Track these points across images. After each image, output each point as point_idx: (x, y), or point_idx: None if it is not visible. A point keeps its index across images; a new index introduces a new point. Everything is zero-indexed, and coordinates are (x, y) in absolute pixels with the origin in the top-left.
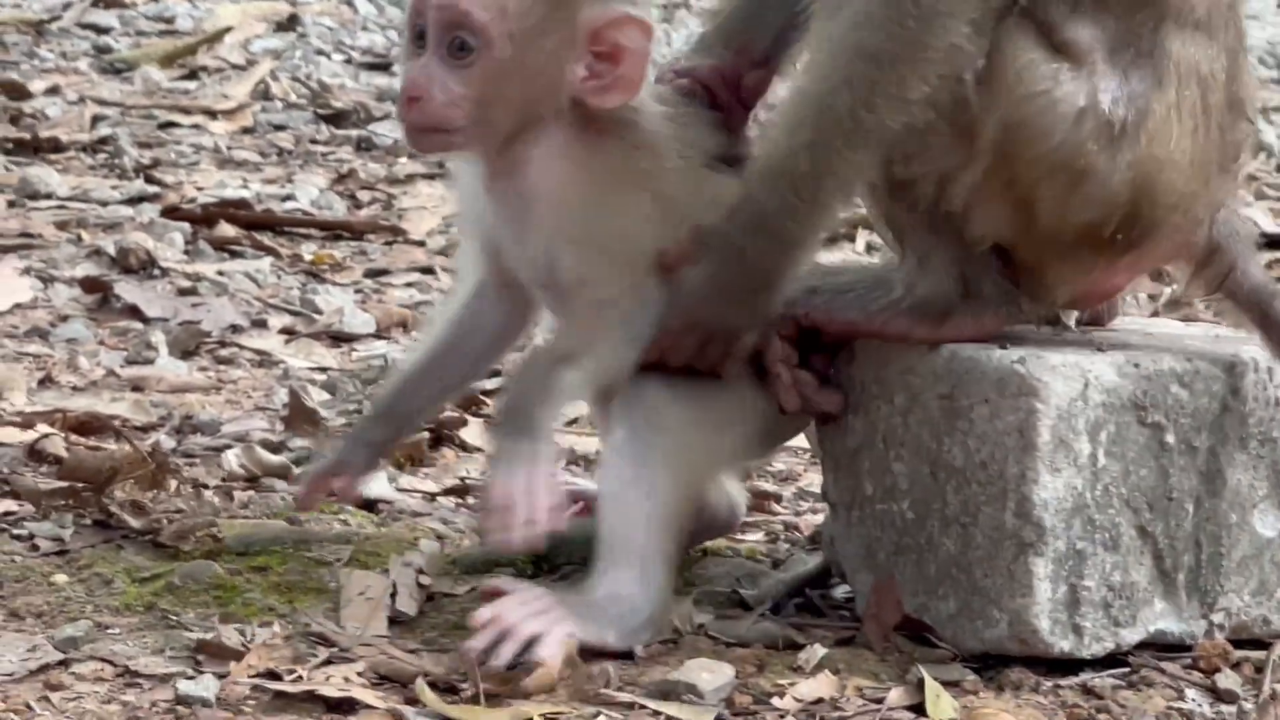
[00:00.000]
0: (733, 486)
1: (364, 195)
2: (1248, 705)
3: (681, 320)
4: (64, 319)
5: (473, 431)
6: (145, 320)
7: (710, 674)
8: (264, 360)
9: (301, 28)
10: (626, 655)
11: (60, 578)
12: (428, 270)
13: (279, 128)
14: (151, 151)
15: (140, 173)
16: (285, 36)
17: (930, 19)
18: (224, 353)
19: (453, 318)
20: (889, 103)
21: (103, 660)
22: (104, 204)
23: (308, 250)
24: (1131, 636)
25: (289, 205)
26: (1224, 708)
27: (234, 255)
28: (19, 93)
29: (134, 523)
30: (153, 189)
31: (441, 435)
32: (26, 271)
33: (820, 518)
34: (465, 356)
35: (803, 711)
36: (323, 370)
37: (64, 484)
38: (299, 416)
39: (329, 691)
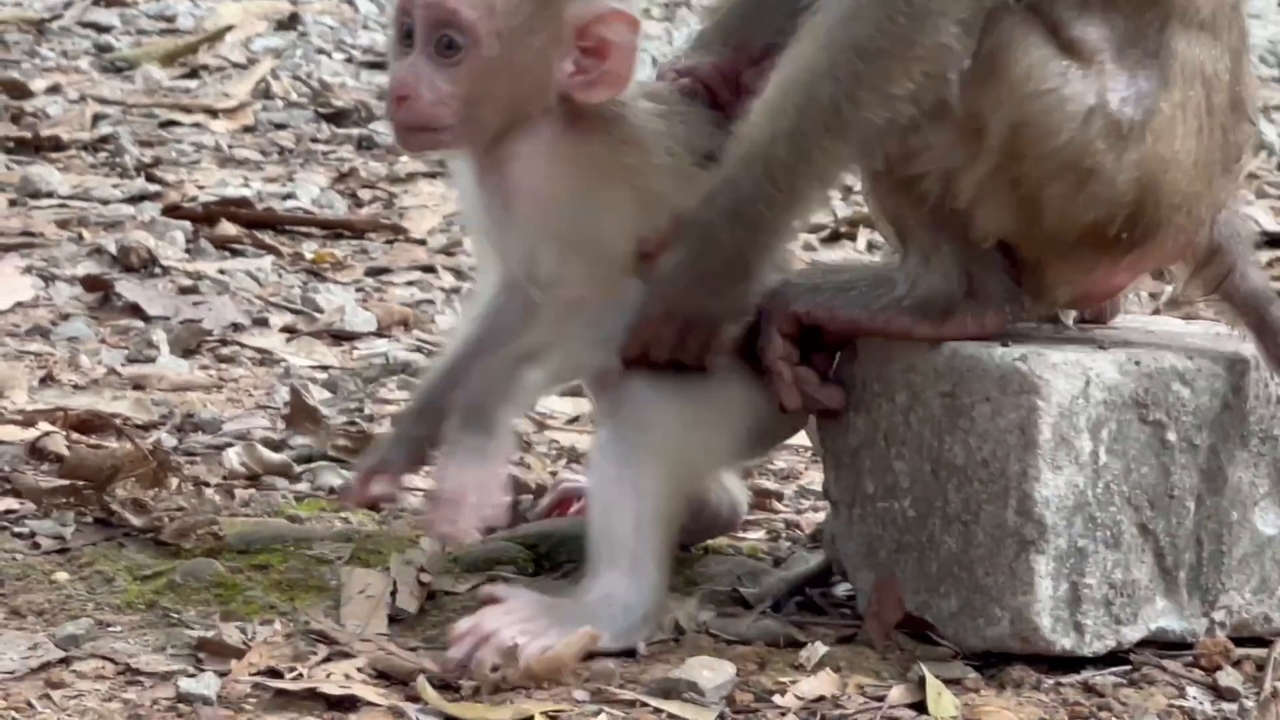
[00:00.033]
0: (734, 485)
1: (365, 194)
2: (1249, 703)
3: (659, 308)
4: (65, 317)
5: None
6: (146, 319)
7: (712, 672)
8: (265, 359)
9: (302, 26)
10: (628, 653)
11: (61, 576)
12: (429, 269)
13: (280, 126)
14: (152, 150)
15: (141, 171)
16: (286, 35)
17: (921, 16)
18: (225, 351)
19: (481, 313)
20: (873, 96)
21: (104, 658)
22: (105, 202)
23: (309, 249)
24: (1133, 634)
25: (290, 204)
26: (1225, 705)
27: (235, 254)
28: (20, 91)
29: (135, 521)
30: (154, 187)
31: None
32: (28, 270)
33: (821, 516)
34: (495, 351)
35: (804, 709)
36: (324, 369)
37: (65, 482)
38: (300, 415)
39: (330, 689)
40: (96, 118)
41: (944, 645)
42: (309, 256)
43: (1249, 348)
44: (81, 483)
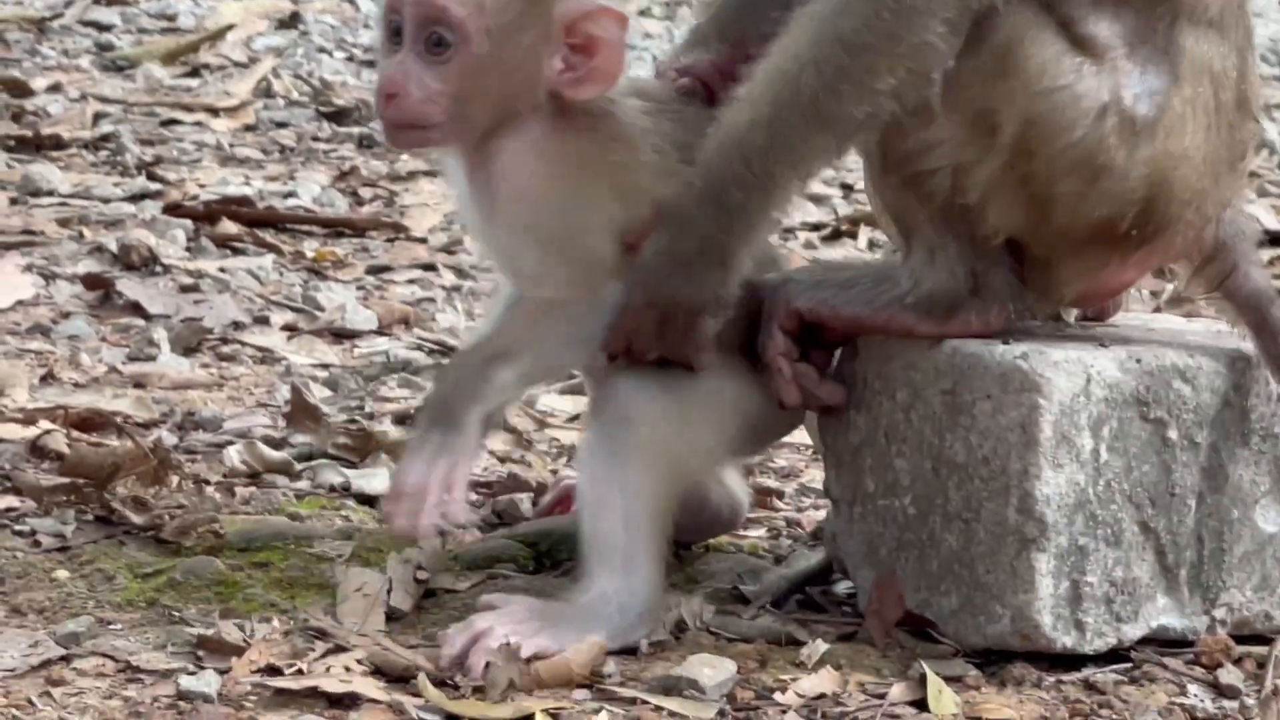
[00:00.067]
0: (736, 484)
1: (366, 192)
2: (1250, 701)
3: (639, 296)
4: (66, 316)
5: None
6: (147, 317)
7: (712, 669)
8: (266, 357)
9: (303, 25)
10: (629, 651)
11: (62, 573)
12: (429, 267)
13: (281, 125)
14: (153, 149)
15: (142, 170)
16: (287, 34)
17: (907, 14)
18: (226, 349)
19: (504, 309)
20: (854, 90)
21: (104, 656)
22: (106, 201)
23: (310, 247)
24: (1133, 632)
25: (291, 202)
26: (1226, 703)
27: (236, 252)
28: (21, 90)
29: (136, 519)
30: (155, 186)
31: None
32: (28, 268)
33: (822, 514)
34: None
35: (804, 707)
36: (325, 367)
37: (66, 480)
38: (301, 413)
39: (331, 686)
40: (97, 116)
41: (945, 643)
42: (310, 255)
43: (1249, 345)
44: (82, 481)
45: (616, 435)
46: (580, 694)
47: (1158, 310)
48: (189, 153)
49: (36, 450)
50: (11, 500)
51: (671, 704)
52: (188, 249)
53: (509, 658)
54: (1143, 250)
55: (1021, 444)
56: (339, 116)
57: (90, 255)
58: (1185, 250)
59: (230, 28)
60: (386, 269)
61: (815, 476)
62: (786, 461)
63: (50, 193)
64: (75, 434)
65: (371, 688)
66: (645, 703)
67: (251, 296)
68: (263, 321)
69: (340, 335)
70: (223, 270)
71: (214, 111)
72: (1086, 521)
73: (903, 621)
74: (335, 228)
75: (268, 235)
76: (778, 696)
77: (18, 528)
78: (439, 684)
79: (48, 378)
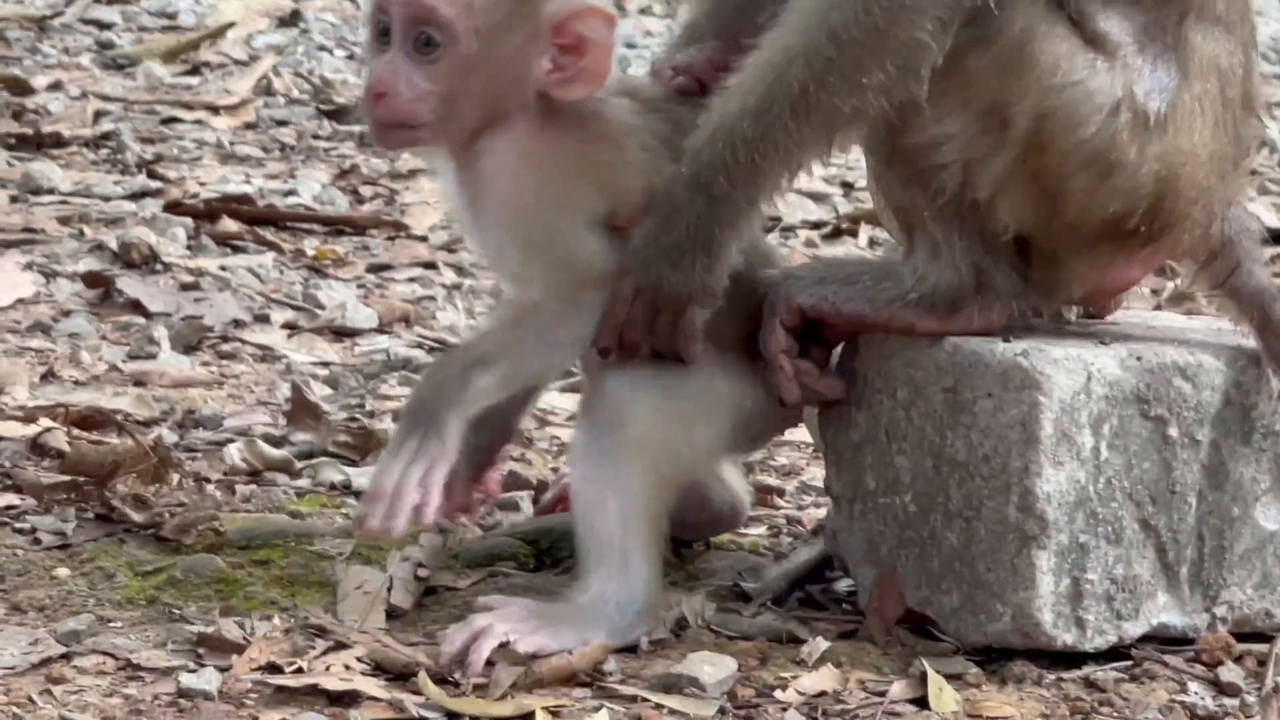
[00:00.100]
0: (737, 483)
1: (366, 190)
2: (1250, 698)
3: (629, 284)
4: (66, 314)
5: None
6: (147, 315)
7: (713, 667)
8: (266, 355)
9: (304, 23)
10: (629, 649)
11: (62, 571)
12: (430, 265)
13: (281, 123)
14: (154, 147)
15: (143, 168)
16: (288, 32)
17: (896, 11)
18: (226, 347)
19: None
20: (842, 83)
21: (104, 654)
22: (106, 199)
23: (310, 245)
24: (1134, 630)
25: (291, 200)
26: (1226, 701)
27: (236, 250)
28: (22, 88)
29: (136, 516)
30: (155, 184)
31: None
32: (29, 266)
33: (823, 511)
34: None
35: (805, 704)
36: (325, 365)
37: (66, 478)
38: (301, 411)
39: (331, 684)
40: (98, 114)
41: (945, 641)
42: (310, 253)
43: (1251, 343)
44: (82, 478)
45: (608, 434)
46: (580, 692)
47: (1158, 308)
48: (189, 151)
49: (37, 448)
50: (12, 498)
51: (672, 701)
52: (188, 247)
53: (508, 656)
54: (1150, 247)
55: (1022, 442)
56: (339, 114)
57: (91, 253)
58: (1191, 247)
59: (231, 26)
60: (387, 267)
61: (816, 474)
62: (787, 459)
63: (51, 191)
64: (76, 432)
65: (372, 685)
66: (646, 700)
67: (252, 294)
68: (263, 319)
69: (341, 333)
70: (223, 268)
71: (214, 109)
72: (1087, 519)
73: (903, 619)
74: (336, 226)
75: (268, 233)
76: (778, 694)
77: (18, 525)
78: (439, 681)
79: (48, 376)
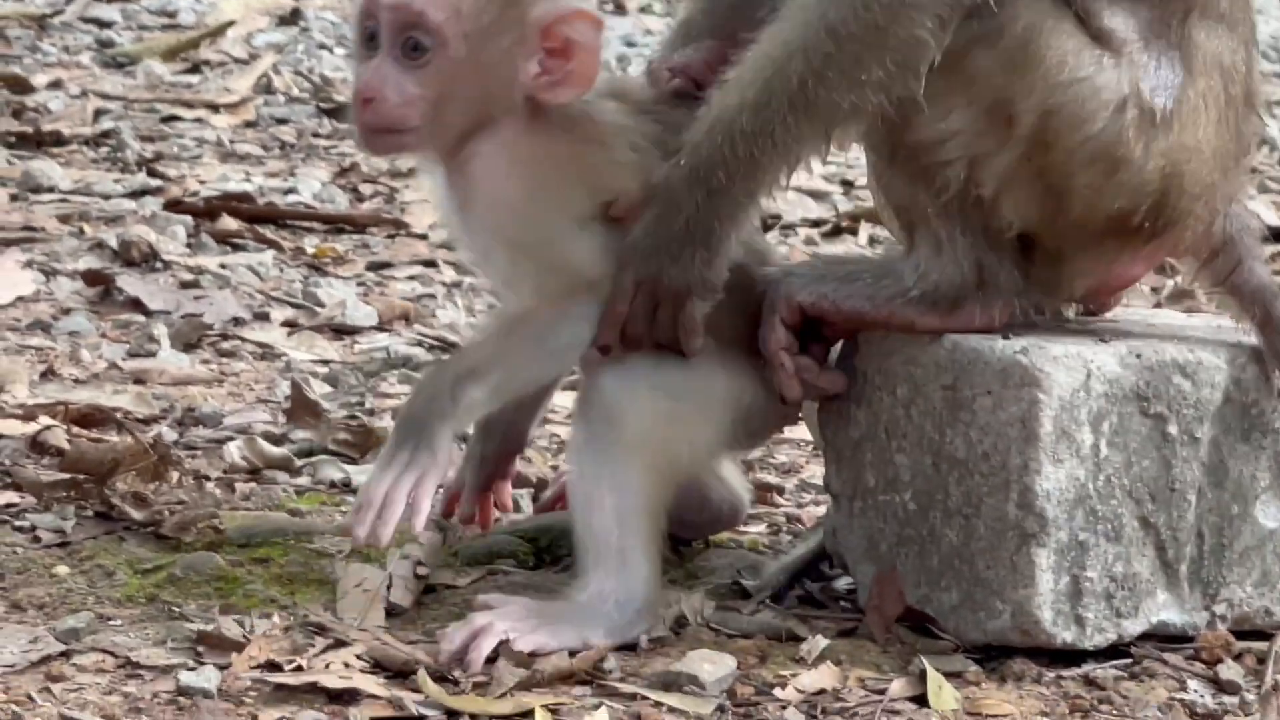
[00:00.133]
0: (736, 481)
1: (366, 188)
2: (1250, 696)
3: (629, 276)
4: (66, 312)
5: None
6: (147, 313)
7: (712, 665)
8: (266, 353)
9: (304, 22)
10: (629, 647)
11: (62, 569)
12: (430, 263)
13: (281, 121)
14: (154, 145)
15: (143, 166)
16: (288, 30)
17: (896, 8)
18: (226, 345)
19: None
20: (840, 79)
21: (104, 651)
22: (106, 197)
23: (310, 243)
24: (1134, 627)
25: (291, 198)
26: (1226, 698)
27: (236, 248)
28: (22, 86)
29: (136, 514)
30: (155, 182)
31: None
32: (29, 265)
33: (822, 509)
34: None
35: (804, 702)
36: (325, 363)
37: (66, 476)
38: (301, 409)
39: (331, 682)
40: (98, 113)
41: (945, 638)
42: (310, 251)
43: (1250, 341)
44: (82, 476)
45: (604, 432)
46: (580, 690)
47: (1158, 306)
48: (189, 149)
49: (37, 446)
50: (12, 496)
51: (671, 699)
52: (188, 245)
53: (507, 654)
54: (1153, 244)
55: (1022, 439)
56: (339, 113)
57: (91, 251)
58: (1194, 244)
59: (231, 24)
60: (387, 265)
61: (816, 472)
62: (787, 457)
63: (51, 189)
64: (75, 430)
65: (371, 683)
66: (645, 698)
67: (252, 292)
68: (263, 317)
69: (340, 331)
70: (223, 266)
71: (214, 108)
72: (1087, 517)
73: (903, 617)
74: (335, 224)
75: (268, 231)
76: (778, 692)
77: (18, 523)
78: (439, 679)
79: (48, 374)
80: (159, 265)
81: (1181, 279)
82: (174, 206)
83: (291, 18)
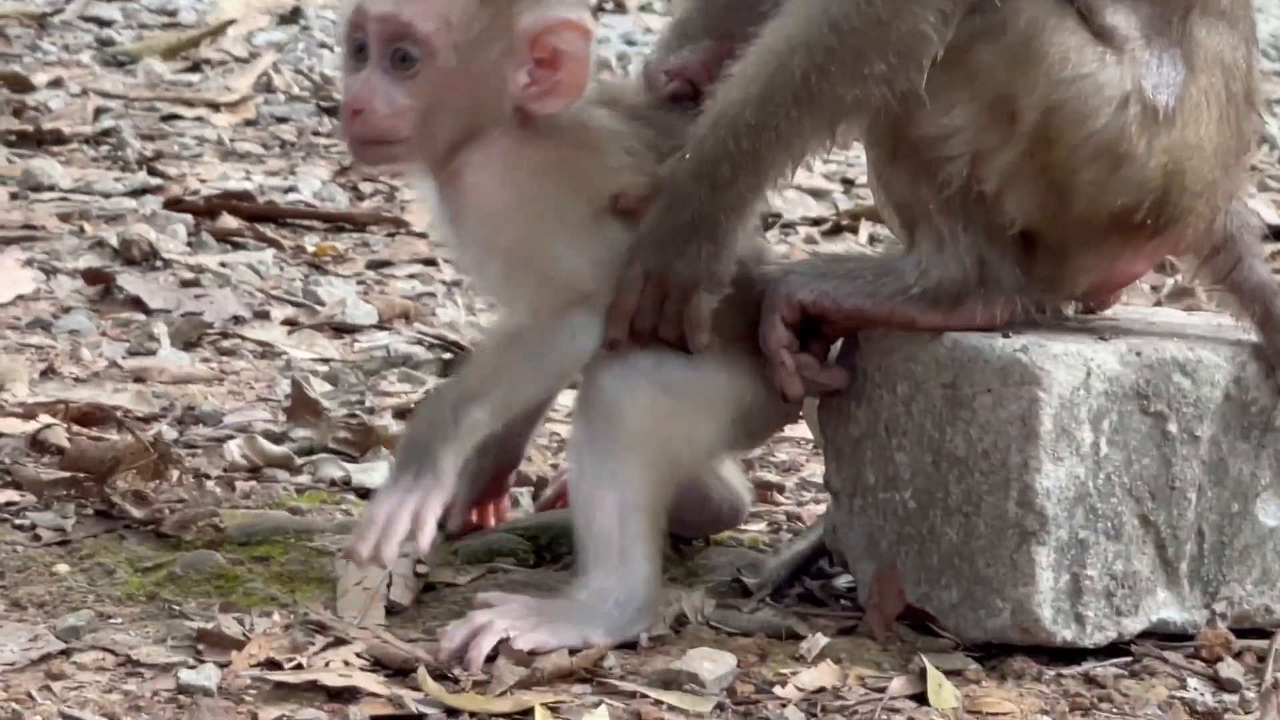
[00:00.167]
0: (737, 481)
1: (366, 187)
2: (1250, 694)
3: (637, 269)
4: (66, 310)
5: None
6: (148, 311)
7: (712, 663)
8: (266, 351)
9: (304, 20)
10: (629, 645)
11: (62, 567)
12: (430, 262)
13: (281, 120)
14: (154, 144)
15: (143, 165)
16: (288, 29)
17: (899, 3)
18: (226, 344)
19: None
20: (843, 73)
21: (104, 650)
22: (106, 196)
23: (310, 242)
24: (1134, 626)
25: (291, 197)
26: (1226, 697)
27: (236, 247)
28: (22, 85)
29: (136, 513)
30: (155, 181)
31: None
32: (29, 263)
33: (823, 508)
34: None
35: (804, 700)
36: (325, 361)
37: (66, 474)
38: (301, 407)
39: (331, 680)
40: (98, 111)
41: (945, 637)
42: (310, 250)
43: (1250, 339)
44: (82, 475)
45: (604, 430)
46: (580, 688)
47: (1159, 304)
48: (190, 148)
49: (37, 444)
50: (12, 494)
51: (671, 697)
52: (188, 244)
53: (507, 652)
54: (1155, 240)
55: (1022, 437)
56: (339, 112)
57: (91, 250)
58: (1195, 241)
59: (231, 23)
60: (387, 264)
61: (816, 470)
62: (787, 455)
63: (51, 188)
64: (76, 428)
65: (371, 681)
66: (645, 696)
67: (252, 291)
68: (263, 316)
69: (341, 330)
70: (223, 265)
71: (215, 106)
72: (1087, 515)
73: (903, 615)
74: (336, 223)
75: (268, 230)
76: (778, 690)
77: (18, 522)
78: (439, 677)
79: (48, 372)
80: (159, 264)
81: (1182, 277)
82: (174, 205)
83: (292, 16)
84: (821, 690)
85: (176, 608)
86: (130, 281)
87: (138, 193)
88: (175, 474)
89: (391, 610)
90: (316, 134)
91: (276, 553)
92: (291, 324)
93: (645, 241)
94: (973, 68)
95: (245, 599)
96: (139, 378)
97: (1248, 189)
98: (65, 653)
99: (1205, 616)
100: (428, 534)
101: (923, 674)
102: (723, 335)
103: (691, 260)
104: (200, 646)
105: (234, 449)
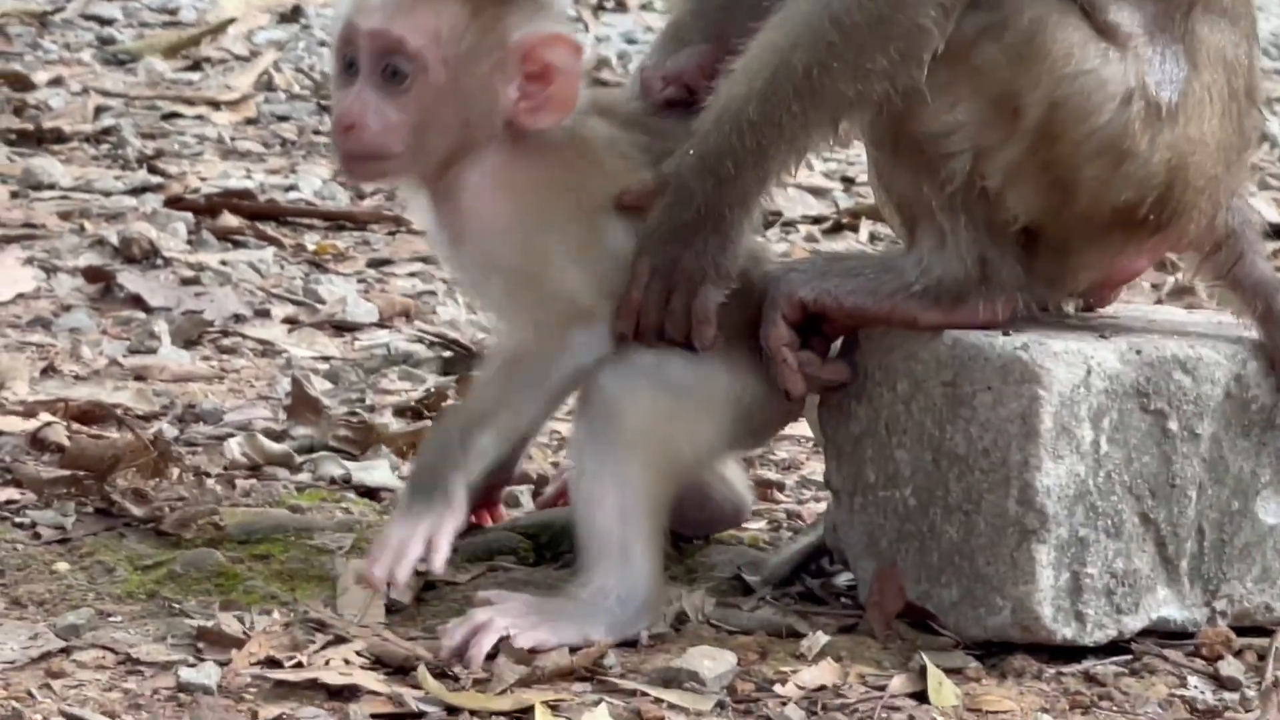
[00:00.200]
0: (738, 481)
1: (366, 185)
2: (1250, 692)
3: (645, 263)
4: (67, 309)
5: None
6: (148, 310)
7: (712, 661)
8: (267, 349)
9: (305, 19)
10: (629, 643)
11: (62, 566)
12: (430, 260)
13: (282, 118)
14: (155, 142)
15: (143, 163)
16: (289, 28)
17: None
18: (227, 342)
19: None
20: (845, 68)
21: (104, 648)
22: (107, 194)
23: (311, 240)
24: (1134, 624)
25: (292, 195)
26: (1226, 695)
27: (237, 245)
28: (22, 84)
29: (136, 511)
30: (156, 179)
31: None
32: (30, 261)
33: (823, 506)
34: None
35: (805, 699)
36: (325, 359)
37: (66, 472)
38: (301, 405)
39: (331, 678)
40: (99, 110)
41: (945, 635)
42: (311, 248)
43: (1251, 336)
44: (82, 473)
45: (605, 428)
46: (580, 686)
47: (1159, 302)
48: (190, 146)
49: (37, 443)
50: (12, 492)
51: (671, 696)
52: (189, 242)
53: (508, 651)
54: (1157, 237)
55: (1022, 435)
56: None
57: (91, 248)
58: (1197, 237)
59: (232, 21)
60: (387, 262)
61: (816, 469)
62: (787, 454)
63: (51, 186)
64: (76, 426)
65: (371, 680)
66: (645, 694)
67: (252, 289)
68: (263, 314)
69: (341, 328)
70: (224, 263)
71: (215, 105)
72: (1087, 513)
73: (903, 613)
74: (336, 221)
75: (269, 228)
76: (778, 688)
77: (18, 520)
78: (439, 675)
79: (48, 370)
80: (160, 262)
81: (1182, 274)
82: (175, 203)
83: (292, 15)
84: (822, 688)
85: (176, 606)
86: (131, 280)
87: (138, 191)
88: (175, 472)
89: (391, 608)
90: (317, 132)
91: (276, 551)
92: (292, 322)
93: (651, 237)
94: (975, 64)
95: (245, 597)
96: (139, 376)
97: (1249, 186)
98: (65, 651)
99: (1205, 614)
100: (441, 556)
101: (923, 672)
102: (724, 334)
103: (698, 254)
104: (200, 645)
105: (234, 447)
